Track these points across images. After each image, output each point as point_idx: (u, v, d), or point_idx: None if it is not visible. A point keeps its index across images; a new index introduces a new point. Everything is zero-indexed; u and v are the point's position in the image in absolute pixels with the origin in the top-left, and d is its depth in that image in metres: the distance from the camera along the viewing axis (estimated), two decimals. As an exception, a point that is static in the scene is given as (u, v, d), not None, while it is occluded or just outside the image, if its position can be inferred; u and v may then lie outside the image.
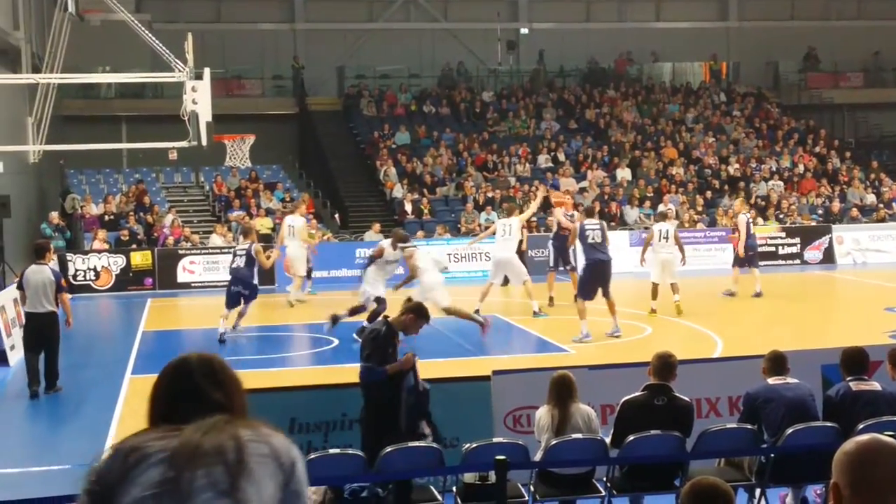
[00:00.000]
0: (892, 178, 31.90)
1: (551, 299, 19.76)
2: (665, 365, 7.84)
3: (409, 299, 9.19)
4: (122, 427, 11.69)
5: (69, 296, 14.34)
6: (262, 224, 25.93)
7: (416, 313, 8.68)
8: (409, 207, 28.52)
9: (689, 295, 19.38)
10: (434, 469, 7.60)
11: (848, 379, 8.00)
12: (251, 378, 13.78)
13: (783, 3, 40.78)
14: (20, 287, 13.52)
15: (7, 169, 23.27)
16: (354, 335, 15.90)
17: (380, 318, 8.77)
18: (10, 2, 25.72)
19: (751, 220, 22.36)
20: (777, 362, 8.13)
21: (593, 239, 16.10)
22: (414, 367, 8.39)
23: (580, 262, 16.32)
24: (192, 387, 2.75)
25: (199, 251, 24.81)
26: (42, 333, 13.32)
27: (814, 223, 28.34)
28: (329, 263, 24.17)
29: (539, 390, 8.09)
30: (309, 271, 22.20)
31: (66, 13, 21.49)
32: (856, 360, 8.07)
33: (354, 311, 16.25)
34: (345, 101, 35.97)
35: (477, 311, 17.17)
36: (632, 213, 28.44)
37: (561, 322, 16.91)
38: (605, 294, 16.22)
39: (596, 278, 16.12)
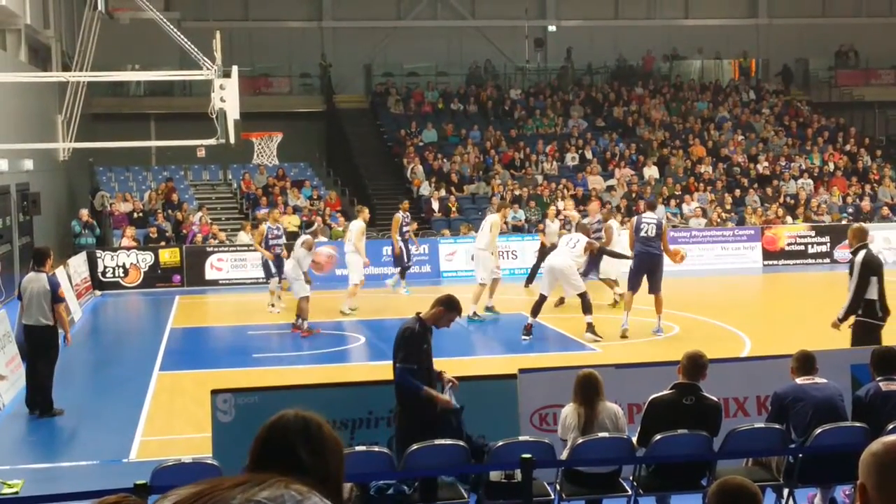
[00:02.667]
0: (923, 177, 31.58)
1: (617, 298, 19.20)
2: (696, 365, 7.80)
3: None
4: (150, 423, 11.78)
5: (71, 309, 13.20)
6: (290, 222, 26.01)
7: (446, 306, 8.56)
8: (435, 205, 28.53)
9: (718, 293, 19.31)
10: (460, 467, 7.60)
11: (877, 379, 7.93)
12: (278, 375, 13.87)
13: (814, 0, 40.48)
14: (20, 297, 12.31)
15: (37, 167, 23.45)
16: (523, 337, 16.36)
17: (412, 316, 8.66)
18: (40, 0, 25.92)
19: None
20: (805, 362, 8.08)
21: (646, 233, 16.15)
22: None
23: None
24: (284, 445, 2.65)
25: (227, 248, 24.92)
26: (36, 349, 12.13)
27: (844, 222, 28.11)
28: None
29: (565, 389, 8.06)
30: (404, 270, 22.27)
31: (95, 11, 21.64)
32: (886, 360, 8.00)
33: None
34: (372, 99, 36.03)
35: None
36: (659, 211, 28.31)
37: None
38: (653, 290, 16.30)
39: (642, 269, 16.21)
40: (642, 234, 16.18)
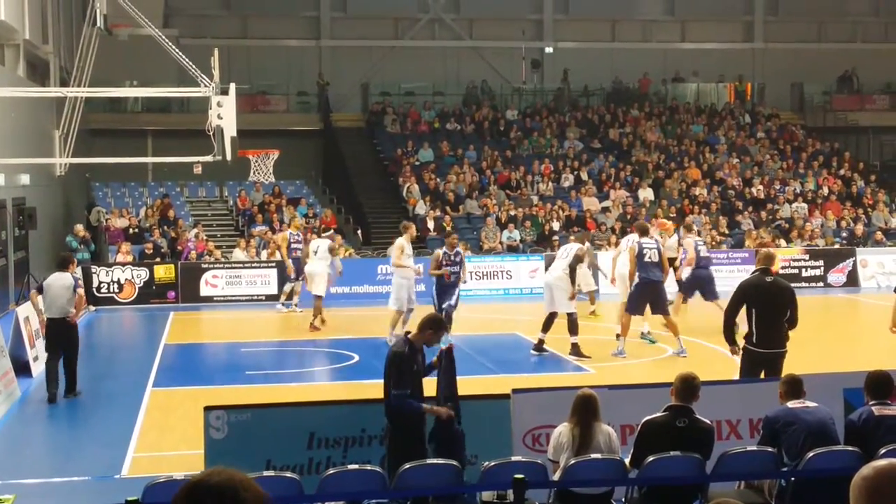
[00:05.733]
0: (917, 202, 31.70)
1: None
2: (689, 387, 7.81)
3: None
4: (143, 439, 11.75)
5: (86, 304, 14.83)
6: (285, 239, 25.98)
7: (434, 327, 8.69)
8: (431, 224, 28.55)
9: (711, 316, 19.28)
10: (452, 487, 7.59)
11: (871, 403, 7.94)
12: (271, 392, 13.85)
13: (810, 25, 40.68)
14: (40, 291, 14.02)
15: (33, 181, 23.44)
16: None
17: (401, 338, 8.75)
18: (39, 16, 25.97)
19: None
20: (793, 386, 8.10)
21: (649, 258, 16.18)
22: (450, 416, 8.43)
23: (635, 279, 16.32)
24: None
25: (222, 265, 24.91)
26: (60, 338, 13.80)
27: (837, 246, 28.19)
28: (351, 280, 24.20)
29: (559, 409, 8.07)
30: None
31: (94, 28, 21.70)
32: (879, 385, 8.01)
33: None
34: (369, 118, 36.10)
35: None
36: (654, 234, 28.34)
37: (582, 342, 16.81)
38: (660, 312, 16.36)
39: (645, 296, 16.20)
40: (646, 259, 16.17)
